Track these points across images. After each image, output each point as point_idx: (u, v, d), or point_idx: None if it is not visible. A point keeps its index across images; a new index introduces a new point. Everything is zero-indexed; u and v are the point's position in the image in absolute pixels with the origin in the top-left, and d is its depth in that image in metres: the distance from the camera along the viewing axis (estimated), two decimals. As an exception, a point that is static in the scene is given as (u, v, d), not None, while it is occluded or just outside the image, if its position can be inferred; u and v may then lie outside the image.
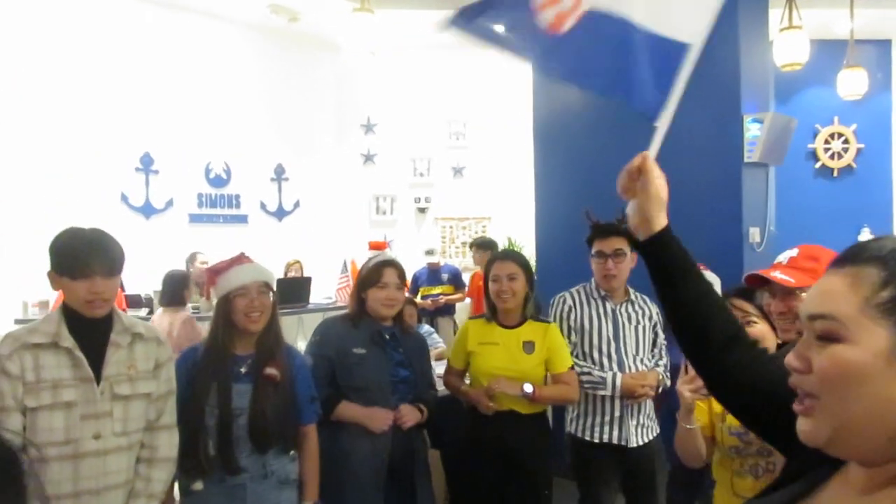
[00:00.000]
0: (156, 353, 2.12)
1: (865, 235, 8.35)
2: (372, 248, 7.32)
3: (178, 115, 7.17)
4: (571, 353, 3.01)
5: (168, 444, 2.13)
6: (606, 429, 2.96)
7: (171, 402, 2.16)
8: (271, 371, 2.39)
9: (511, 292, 2.89)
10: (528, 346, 2.89)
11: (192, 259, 6.58)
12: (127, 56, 6.80)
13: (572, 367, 2.93)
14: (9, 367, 1.90)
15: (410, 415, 2.72)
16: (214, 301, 2.49)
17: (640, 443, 2.97)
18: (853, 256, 0.79)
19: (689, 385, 1.99)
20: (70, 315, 1.99)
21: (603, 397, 2.96)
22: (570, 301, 3.07)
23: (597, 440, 2.96)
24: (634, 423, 2.96)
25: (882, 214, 8.47)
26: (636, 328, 3.01)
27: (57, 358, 1.94)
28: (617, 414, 2.95)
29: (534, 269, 5.60)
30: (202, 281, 6.64)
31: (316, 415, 2.51)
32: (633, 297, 3.08)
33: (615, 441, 2.95)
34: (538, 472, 2.92)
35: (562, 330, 3.05)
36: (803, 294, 1.73)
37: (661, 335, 3.09)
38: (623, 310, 3.03)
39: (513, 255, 3.06)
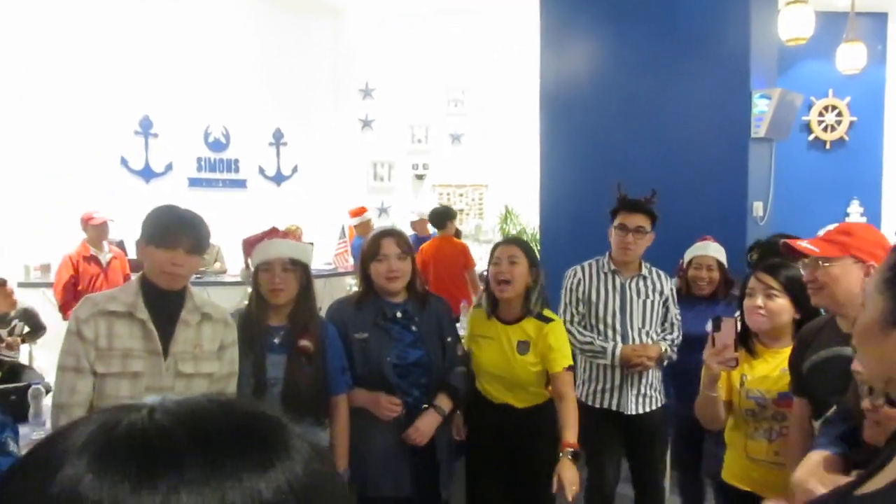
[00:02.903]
0: (222, 334, 2.17)
1: (854, 207, 8.52)
2: (353, 216, 7.30)
3: (177, 78, 7.09)
4: (579, 323, 3.11)
5: None
6: (607, 396, 3.11)
7: (233, 384, 2.22)
8: (305, 343, 2.44)
9: (510, 276, 2.69)
10: (523, 347, 2.73)
11: (192, 223, 6.58)
12: (126, 18, 6.69)
13: (569, 368, 2.73)
14: (84, 331, 1.97)
15: (423, 429, 2.56)
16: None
17: (640, 411, 3.09)
18: None
19: (716, 357, 2.09)
20: (147, 288, 2.05)
21: (605, 366, 3.09)
22: (580, 274, 3.18)
23: (598, 406, 3.11)
24: (635, 392, 3.09)
25: (871, 187, 8.62)
26: (644, 302, 3.11)
27: (130, 328, 2.01)
28: (617, 383, 3.09)
29: (538, 240, 5.65)
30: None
31: (347, 385, 2.55)
32: (645, 272, 3.16)
33: (614, 408, 3.09)
34: (540, 465, 2.75)
35: (570, 301, 3.14)
36: (828, 265, 1.82)
37: (674, 310, 3.18)
38: (633, 284, 3.13)
39: (518, 241, 2.97)
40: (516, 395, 2.77)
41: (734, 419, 2.27)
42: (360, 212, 7.35)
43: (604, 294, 3.10)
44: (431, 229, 7.45)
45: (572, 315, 3.14)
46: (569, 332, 3.05)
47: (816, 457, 1.55)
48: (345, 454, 2.55)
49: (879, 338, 0.90)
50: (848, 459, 1.51)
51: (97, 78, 6.49)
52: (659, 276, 3.18)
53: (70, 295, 5.25)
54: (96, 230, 5.33)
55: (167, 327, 2.05)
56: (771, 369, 2.19)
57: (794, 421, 2.03)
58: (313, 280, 2.59)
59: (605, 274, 3.13)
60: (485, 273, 3.27)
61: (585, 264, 3.21)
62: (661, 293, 3.14)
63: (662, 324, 3.16)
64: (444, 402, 2.66)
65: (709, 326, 2.23)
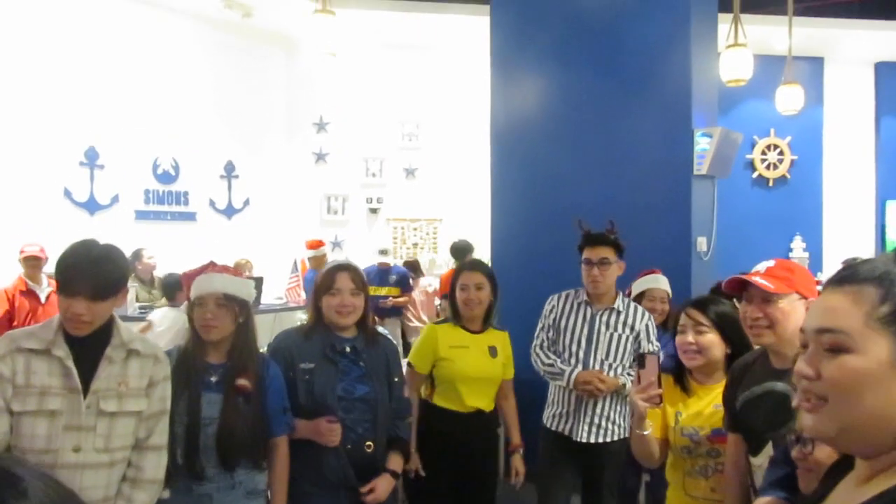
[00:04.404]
0: (151, 371, 2.08)
1: (797, 243, 8.80)
2: (309, 248, 7.25)
3: (126, 109, 6.97)
4: (549, 349, 3.27)
5: (155, 465, 2.08)
6: (562, 420, 3.21)
7: (163, 423, 2.12)
8: (243, 382, 2.36)
9: (478, 301, 3.06)
10: (493, 351, 3.10)
11: (137, 256, 6.42)
12: (73, 46, 6.57)
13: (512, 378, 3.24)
14: (0, 369, 1.90)
15: (380, 493, 2.57)
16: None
17: (593, 441, 3.14)
18: (850, 277, 0.88)
19: (641, 394, 2.10)
20: None
21: (563, 391, 3.20)
22: (555, 302, 3.32)
23: (554, 429, 3.22)
24: (588, 420, 3.15)
25: (813, 223, 8.94)
26: (611, 335, 3.18)
27: (49, 365, 1.93)
28: (572, 408, 3.18)
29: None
30: (148, 277, 6.53)
31: (288, 426, 2.47)
32: (620, 307, 3.22)
33: (566, 433, 3.17)
34: (489, 461, 3.17)
35: (544, 327, 3.31)
36: (780, 302, 1.84)
37: (649, 347, 3.20)
38: (603, 316, 3.20)
39: (481, 266, 3.25)
40: (489, 396, 3.10)
41: (672, 457, 2.28)
42: (316, 245, 7.29)
43: (572, 323, 3.22)
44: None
45: (543, 340, 3.28)
46: (537, 354, 3.28)
47: (761, 502, 1.55)
48: (283, 498, 2.46)
49: (890, 378, 0.82)
50: (790, 502, 1.51)
51: (41, 106, 6.33)
52: (635, 312, 3.23)
53: (5, 331, 5.03)
54: (28, 263, 5.19)
55: (90, 364, 1.96)
56: (704, 406, 2.20)
57: (729, 457, 2.04)
58: (253, 316, 2.53)
59: (579, 304, 3.24)
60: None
61: (563, 293, 3.33)
62: (633, 328, 3.19)
63: (634, 360, 3.17)
64: (396, 463, 2.67)
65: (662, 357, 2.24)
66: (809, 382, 0.88)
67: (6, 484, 0.49)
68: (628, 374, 3.15)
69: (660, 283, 3.62)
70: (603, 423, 3.15)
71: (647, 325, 3.22)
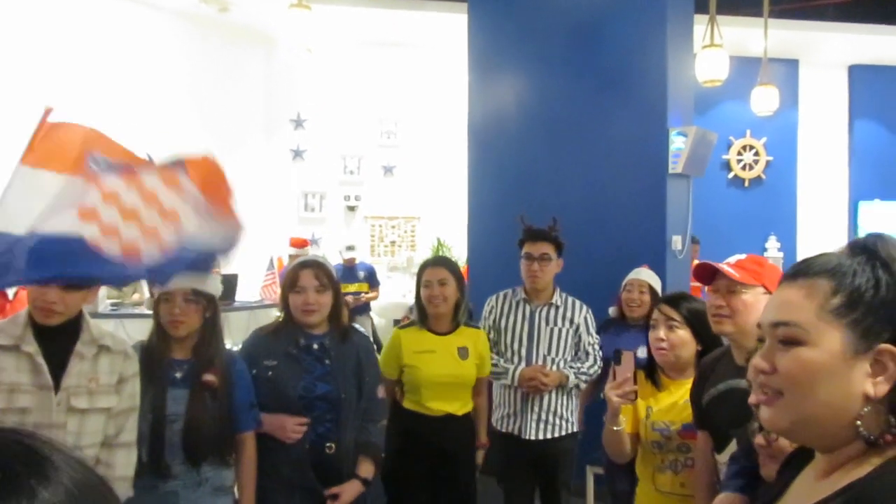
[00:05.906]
0: (121, 367, 2.07)
1: (772, 243, 8.89)
2: (293, 245, 7.19)
3: (98, 103, 6.84)
4: (490, 350, 3.24)
5: (125, 462, 2.07)
6: (510, 420, 3.24)
7: (133, 419, 2.11)
8: (209, 377, 2.34)
9: (442, 297, 2.98)
10: (463, 352, 3.01)
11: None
12: (45, 39, 6.45)
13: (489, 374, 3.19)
14: None
15: (346, 499, 2.52)
16: None
17: (542, 437, 3.17)
18: (804, 271, 0.90)
19: (616, 390, 2.10)
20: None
21: (509, 390, 3.23)
22: (493, 303, 3.34)
23: (503, 430, 3.24)
24: (535, 416, 3.19)
25: (787, 223, 9.03)
26: (552, 330, 3.23)
27: (17, 361, 1.90)
28: (519, 407, 3.21)
29: (465, 272, 5.73)
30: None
31: (255, 422, 2.45)
32: (558, 301, 3.27)
33: (515, 432, 3.20)
34: (466, 468, 3.10)
35: (484, 328, 3.28)
36: (744, 293, 1.85)
37: (589, 339, 3.27)
38: (542, 312, 3.25)
39: (444, 262, 3.20)
40: (460, 400, 3.00)
41: (642, 452, 2.28)
42: (301, 244, 7.22)
43: (512, 321, 3.26)
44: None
45: None
46: None
47: (720, 499, 1.56)
48: (251, 494, 2.44)
49: (843, 369, 0.83)
50: (750, 496, 1.51)
51: (4, 100, 6.21)
52: (573, 306, 3.28)
53: (-30, 328, 4.94)
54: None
55: (60, 361, 1.94)
56: (675, 401, 2.21)
57: (698, 453, 2.04)
58: (220, 312, 2.50)
59: (517, 302, 3.28)
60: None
61: (500, 294, 3.36)
62: (572, 322, 3.25)
63: (576, 353, 3.26)
64: (367, 469, 2.61)
65: (641, 352, 2.25)
66: (765, 376, 0.89)
67: (33, 466, 0.43)
68: (571, 367, 3.21)
69: (640, 274, 3.67)
70: (550, 419, 3.19)
71: (585, 318, 3.28)
